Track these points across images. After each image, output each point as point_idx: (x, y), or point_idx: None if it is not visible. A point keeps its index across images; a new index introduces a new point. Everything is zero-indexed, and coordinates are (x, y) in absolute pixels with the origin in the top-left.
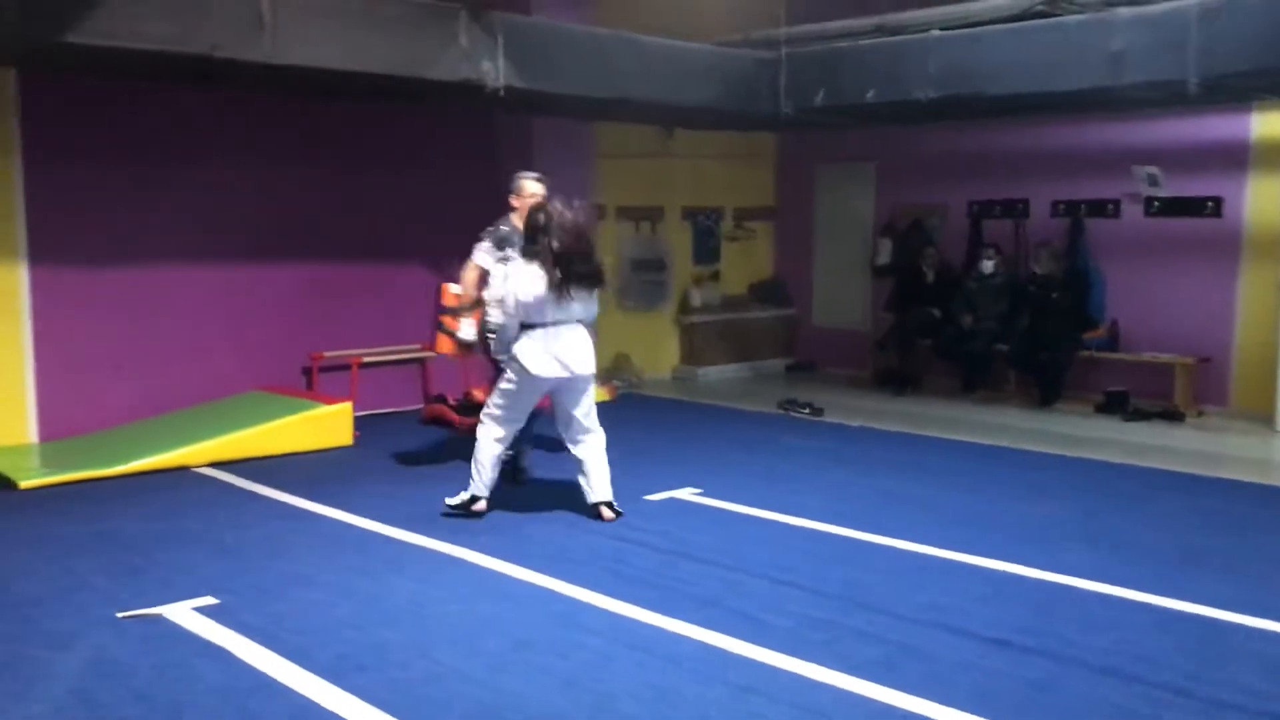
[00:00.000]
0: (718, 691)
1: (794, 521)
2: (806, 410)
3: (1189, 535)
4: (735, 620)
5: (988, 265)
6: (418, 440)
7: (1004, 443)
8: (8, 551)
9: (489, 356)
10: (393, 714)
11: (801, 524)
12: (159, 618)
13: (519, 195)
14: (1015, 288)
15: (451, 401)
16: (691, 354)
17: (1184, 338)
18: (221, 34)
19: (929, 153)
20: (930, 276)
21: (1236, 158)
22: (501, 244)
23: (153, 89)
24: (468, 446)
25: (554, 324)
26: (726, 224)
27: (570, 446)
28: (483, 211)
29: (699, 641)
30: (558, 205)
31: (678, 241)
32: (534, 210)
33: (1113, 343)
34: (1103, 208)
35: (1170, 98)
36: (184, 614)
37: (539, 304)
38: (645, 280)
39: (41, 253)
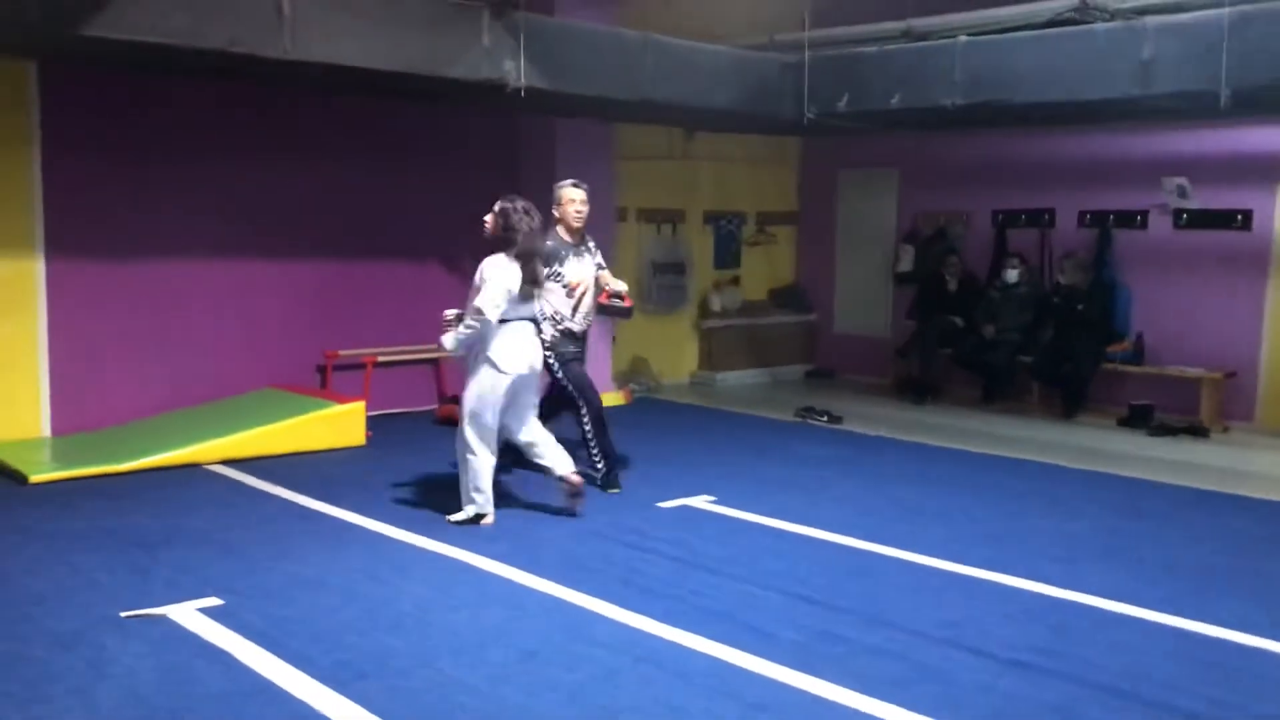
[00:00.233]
0: (727, 709)
1: (809, 532)
2: (825, 418)
3: (1213, 555)
4: (747, 634)
5: (1012, 275)
6: (431, 441)
7: (1025, 456)
8: (15, 547)
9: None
10: None
11: (817, 535)
12: (162, 618)
13: (559, 204)
14: (1039, 298)
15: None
16: (710, 359)
17: (1210, 352)
18: (239, 29)
19: (953, 160)
20: (953, 285)
21: (1267, 170)
22: (549, 260)
23: (172, 84)
24: None
25: (518, 320)
26: (748, 228)
27: (518, 437)
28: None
29: (709, 656)
30: (521, 204)
31: (698, 245)
32: (507, 209)
33: (1138, 356)
34: (1131, 219)
35: (1201, 108)
36: (188, 615)
37: (513, 301)
38: (665, 284)
39: (58, 246)
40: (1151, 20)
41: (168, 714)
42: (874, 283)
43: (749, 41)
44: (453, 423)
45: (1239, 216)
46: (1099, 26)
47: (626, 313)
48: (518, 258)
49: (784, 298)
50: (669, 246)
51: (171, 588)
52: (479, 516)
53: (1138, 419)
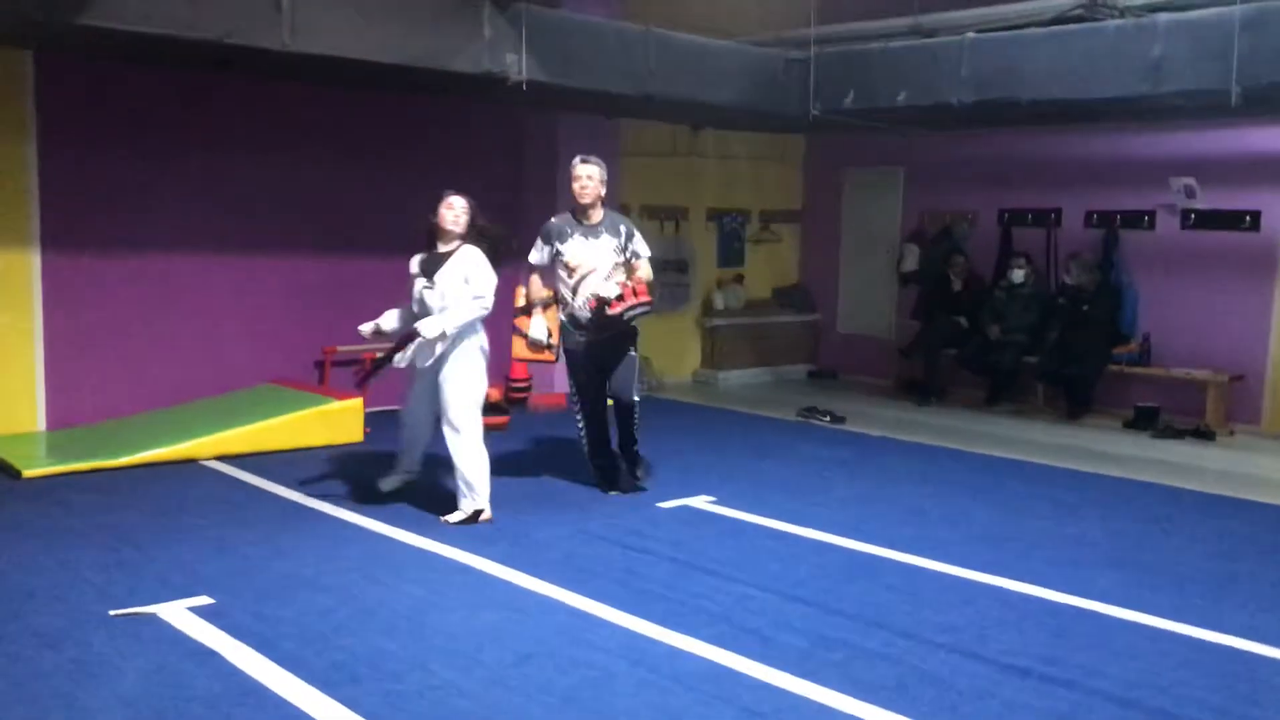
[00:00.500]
0: (723, 714)
1: (809, 534)
2: (827, 418)
3: (1218, 561)
4: (745, 638)
5: (1018, 275)
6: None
7: (1029, 458)
8: (6, 543)
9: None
10: None
11: (817, 537)
12: (152, 617)
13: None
14: (1045, 299)
15: None
16: (713, 357)
17: (1217, 354)
18: (236, 20)
19: (959, 158)
20: (958, 285)
21: (1275, 171)
22: (548, 237)
23: (170, 76)
24: None
25: None
26: (752, 226)
27: (415, 434)
28: (505, 208)
29: (706, 660)
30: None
31: (702, 243)
32: (472, 204)
33: (1144, 358)
34: (1138, 219)
35: (1211, 107)
36: (178, 614)
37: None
38: (668, 281)
39: (54, 239)
40: (1162, 18)
41: (155, 717)
42: (878, 282)
43: (754, 38)
44: None
45: (1247, 217)
46: (1108, 24)
47: (635, 311)
48: (487, 251)
49: (788, 297)
50: (672, 244)
51: (162, 586)
52: (477, 513)
53: (1143, 421)
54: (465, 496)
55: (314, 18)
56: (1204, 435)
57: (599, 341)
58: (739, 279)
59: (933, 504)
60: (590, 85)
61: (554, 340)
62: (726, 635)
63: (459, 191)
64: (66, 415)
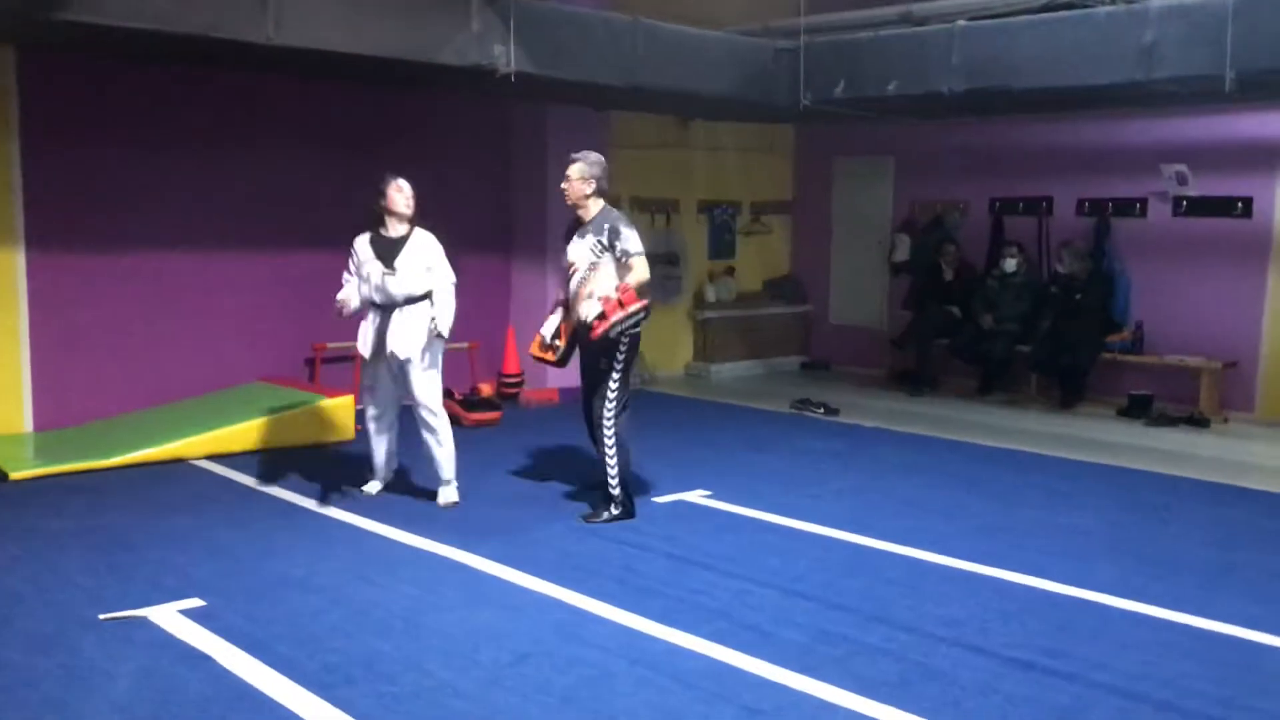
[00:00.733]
0: (724, 713)
1: (806, 528)
2: (820, 410)
3: (1217, 550)
4: (744, 634)
5: (1010, 264)
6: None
7: (1024, 447)
8: None
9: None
10: None
11: (814, 530)
12: (143, 620)
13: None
14: (1037, 288)
15: (458, 396)
16: (705, 350)
17: (1210, 341)
18: (221, 14)
19: (950, 147)
20: (949, 275)
21: (1267, 157)
22: (568, 235)
23: (155, 71)
24: (473, 443)
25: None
26: (743, 218)
27: (387, 422)
28: (494, 201)
29: (706, 657)
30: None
31: (693, 235)
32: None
33: (1137, 345)
34: (1129, 207)
35: (1205, 93)
36: (168, 617)
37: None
38: (659, 274)
39: (39, 237)
40: (1154, 3)
41: None
42: (869, 273)
43: (742, 28)
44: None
45: (1239, 204)
46: (1100, 10)
47: (623, 325)
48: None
49: (779, 288)
50: (663, 237)
51: (153, 588)
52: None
53: (1137, 409)
54: (449, 482)
55: (298, 11)
56: (1198, 422)
57: (583, 354)
58: (730, 271)
59: (929, 495)
60: (579, 77)
61: (559, 342)
62: (726, 631)
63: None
64: (54, 416)
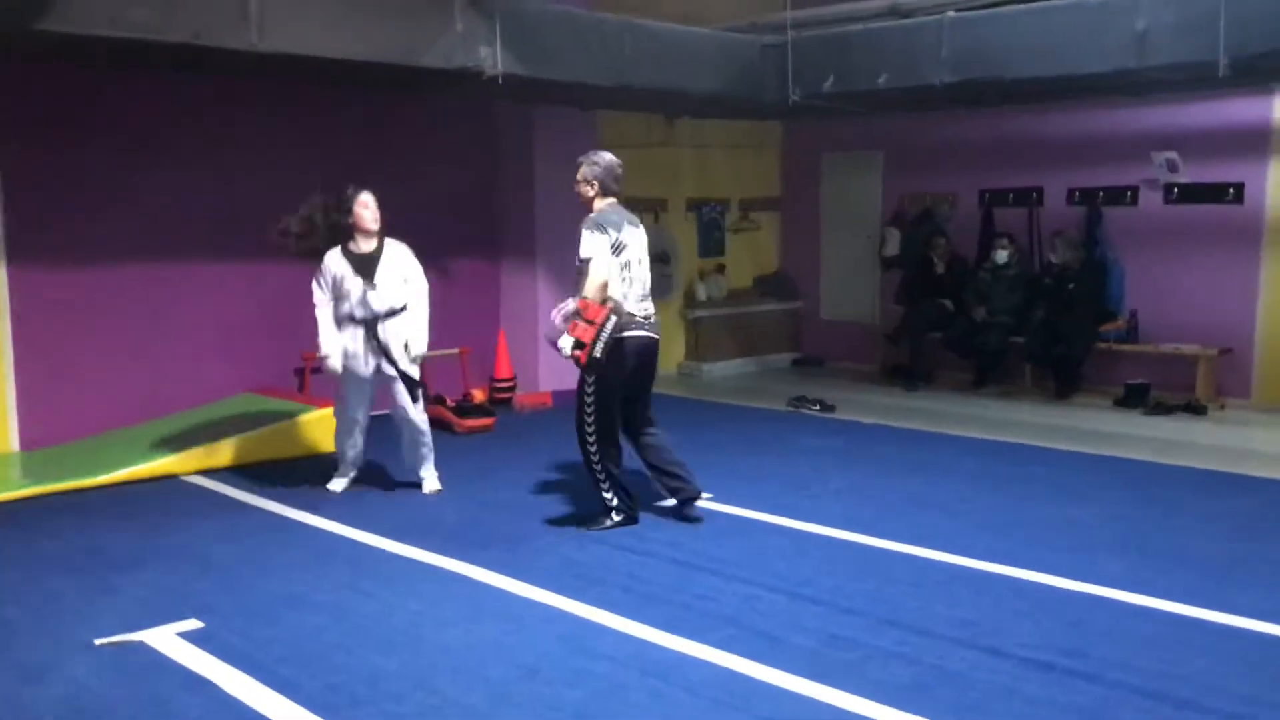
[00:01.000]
0: None
1: (811, 529)
2: (817, 407)
3: (1226, 540)
4: (755, 641)
5: (1001, 255)
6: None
7: (1023, 440)
8: None
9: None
10: None
11: (819, 531)
12: (139, 644)
13: None
14: (1030, 279)
15: (450, 403)
16: (697, 349)
17: (1205, 328)
18: (204, 20)
19: (938, 140)
20: (941, 268)
21: (1257, 142)
22: None
23: (137, 80)
24: (467, 450)
25: None
26: (732, 215)
27: (364, 425)
28: (482, 204)
29: (717, 666)
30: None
31: (682, 233)
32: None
33: (1132, 334)
34: (1120, 195)
35: (1199, 79)
36: (166, 640)
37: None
38: (656, 273)
39: (19, 252)
40: None
41: None
42: (860, 268)
43: (727, 24)
44: (436, 424)
45: (1230, 190)
46: None
47: (598, 346)
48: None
49: (770, 285)
50: (652, 236)
51: (148, 610)
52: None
53: (1134, 398)
54: (430, 462)
55: (282, 16)
56: (1195, 410)
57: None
58: (720, 269)
59: (932, 492)
60: (567, 77)
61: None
62: (735, 639)
63: (363, 187)
64: (40, 434)
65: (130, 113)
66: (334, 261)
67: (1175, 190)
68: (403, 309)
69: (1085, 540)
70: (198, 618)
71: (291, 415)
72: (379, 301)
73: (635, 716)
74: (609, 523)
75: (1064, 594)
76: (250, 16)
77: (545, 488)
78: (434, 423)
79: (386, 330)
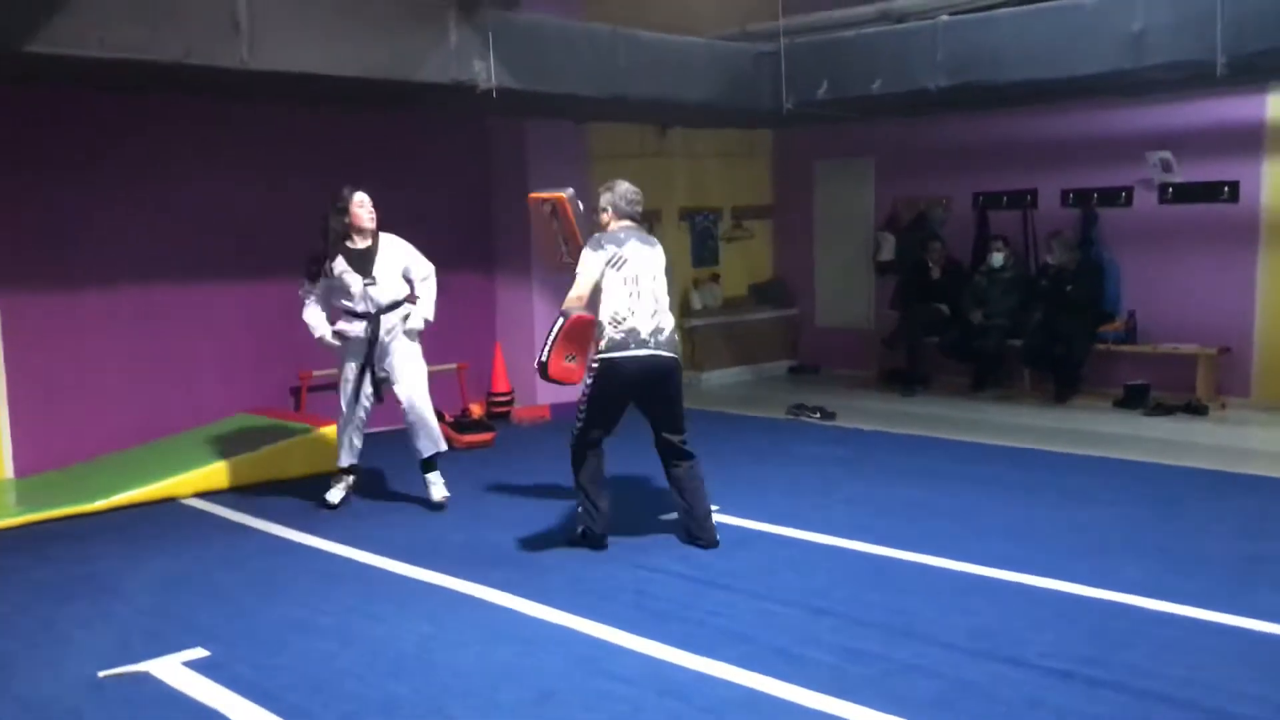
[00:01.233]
0: None
1: (819, 539)
2: (817, 415)
3: (1241, 541)
4: (773, 657)
5: (997, 258)
6: (414, 461)
7: (1027, 444)
8: None
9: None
10: None
11: (828, 542)
12: (145, 676)
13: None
14: (1026, 281)
15: (449, 419)
16: (693, 358)
17: (1203, 328)
18: (194, 39)
19: (929, 144)
20: (936, 272)
21: (1251, 140)
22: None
23: (126, 99)
24: (468, 466)
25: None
26: (725, 224)
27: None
28: (476, 218)
29: (736, 684)
30: None
31: (676, 243)
32: None
33: (1130, 335)
34: (1115, 196)
35: (1196, 79)
36: (172, 670)
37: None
38: None
39: (8, 275)
40: None
41: None
42: (855, 273)
43: (719, 33)
44: None
45: (1225, 188)
46: (1086, 0)
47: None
48: None
49: (764, 293)
50: None
51: (152, 640)
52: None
53: (1134, 399)
54: (438, 473)
55: (273, 34)
56: (1196, 410)
57: None
58: (715, 278)
59: (939, 499)
60: (561, 89)
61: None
62: (753, 655)
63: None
64: (34, 460)
65: (118, 135)
66: (337, 261)
67: (1170, 190)
68: (404, 301)
69: (1098, 545)
70: (203, 646)
71: (289, 435)
72: (380, 294)
73: None
74: (573, 536)
75: (1082, 601)
76: (241, 34)
77: (549, 503)
78: None
79: (387, 321)
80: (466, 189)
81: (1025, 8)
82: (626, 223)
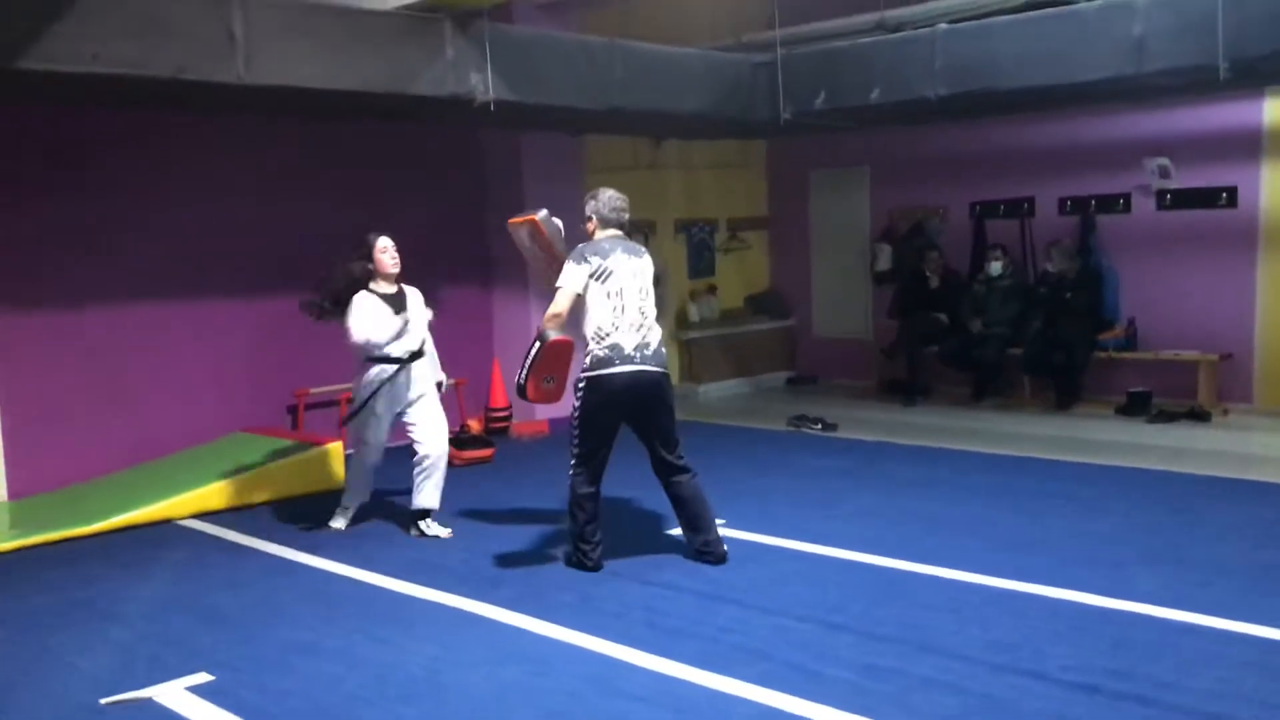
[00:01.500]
0: None
1: (829, 552)
2: (818, 426)
3: (1256, 550)
4: (790, 674)
5: (995, 267)
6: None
7: (1032, 452)
8: None
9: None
10: None
11: (838, 555)
12: (148, 702)
13: None
14: (1025, 289)
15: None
16: (691, 370)
17: (1203, 334)
18: (189, 55)
19: (925, 153)
20: (935, 281)
21: (1249, 146)
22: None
23: (116, 116)
24: (468, 482)
25: None
26: (721, 235)
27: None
28: (472, 231)
29: (754, 702)
30: None
31: (672, 255)
32: None
33: (1130, 342)
34: (1113, 203)
35: (1198, 84)
36: (176, 695)
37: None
38: None
39: (3, 295)
40: None
41: None
42: (852, 284)
43: (714, 44)
44: None
45: (1223, 194)
46: (1086, 5)
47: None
48: None
49: (761, 304)
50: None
51: (155, 665)
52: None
53: (1136, 406)
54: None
55: (269, 48)
56: (1198, 417)
57: None
58: (712, 289)
59: (948, 510)
60: (558, 101)
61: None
62: (770, 673)
63: (380, 231)
64: (29, 483)
65: (108, 153)
66: (370, 300)
67: (1168, 196)
68: (421, 351)
69: (1113, 555)
70: (207, 670)
71: (286, 454)
72: (413, 340)
73: None
74: (564, 557)
75: (1101, 612)
76: (237, 49)
77: (551, 519)
78: None
79: (413, 371)
80: (462, 203)
81: (1025, 15)
82: (612, 231)
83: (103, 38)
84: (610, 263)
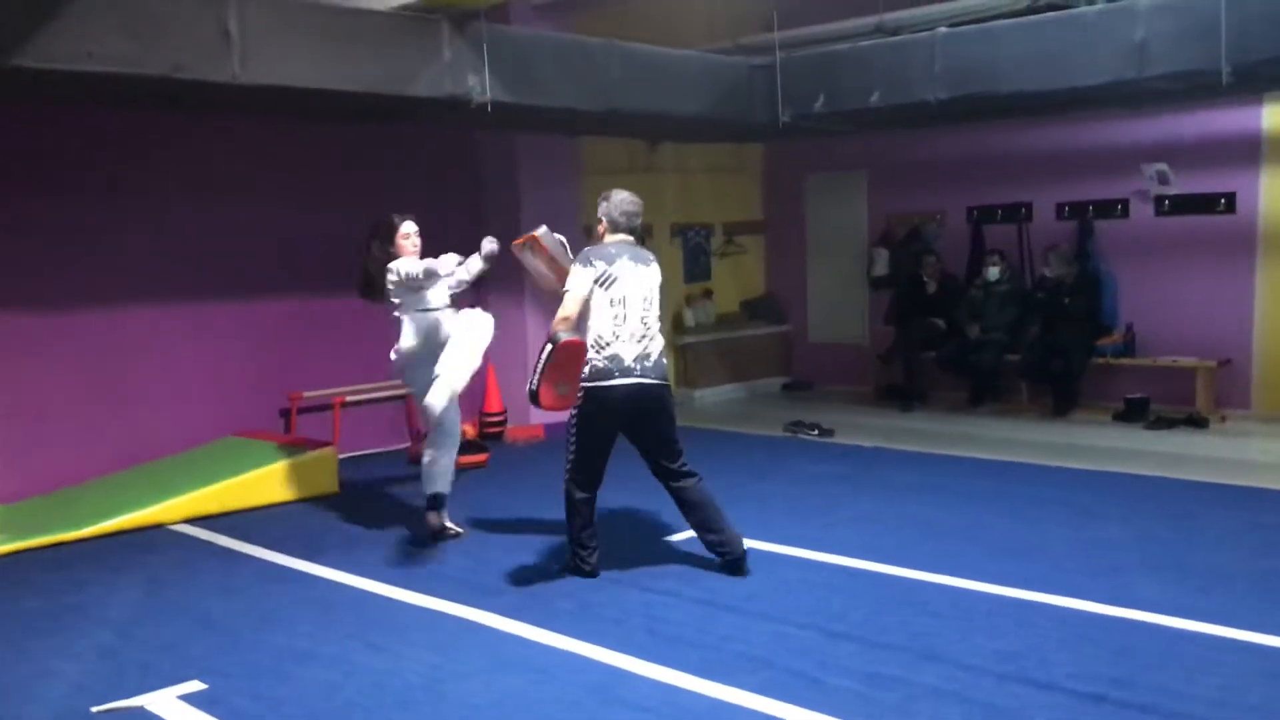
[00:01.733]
0: None
1: (828, 559)
2: (815, 431)
3: (1255, 556)
4: (793, 683)
5: (993, 272)
6: (408, 482)
7: (1029, 459)
8: None
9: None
10: None
11: (837, 562)
12: (140, 711)
13: None
14: (1023, 294)
15: None
16: (687, 375)
17: (1202, 340)
18: (184, 54)
19: (923, 158)
20: (932, 287)
21: (1248, 151)
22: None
23: (110, 116)
24: (463, 487)
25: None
26: (716, 239)
27: None
28: (467, 233)
29: (758, 712)
30: None
31: (668, 259)
32: None
33: (1128, 348)
34: (1111, 208)
35: (1199, 89)
36: (168, 704)
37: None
38: None
39: None
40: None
41: None
42: (848, 289)
43: (711, 46)
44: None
45: (1222, 200)
46: (1087, 10)
47: None
48: None
49: (757, 309)
50: None
51: (147, 672)
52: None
53: (1134, 413)
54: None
55: (265, 48)
56: (1197, 423)
57: None
58: (707, 294)
59: (947, 517)
60: (556, 103)
61: None
62: (773, 682)
63: (403, 214)
64: (19, 486)
65: (101, 153)
66: (408, 262)
67: (1166, 202)
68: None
69: (1115, 562)
70: (200, 678)
71: (280, 458)
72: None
73: None
74: (559, 567)
75: (1104, 620)
76: (233, 48)
77: (549, 525)
78: (419, 460)
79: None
80: (457, 203)
81: (1025, 19)
82: (621, 237)
83: (97, 36)
84: (615, 269)
